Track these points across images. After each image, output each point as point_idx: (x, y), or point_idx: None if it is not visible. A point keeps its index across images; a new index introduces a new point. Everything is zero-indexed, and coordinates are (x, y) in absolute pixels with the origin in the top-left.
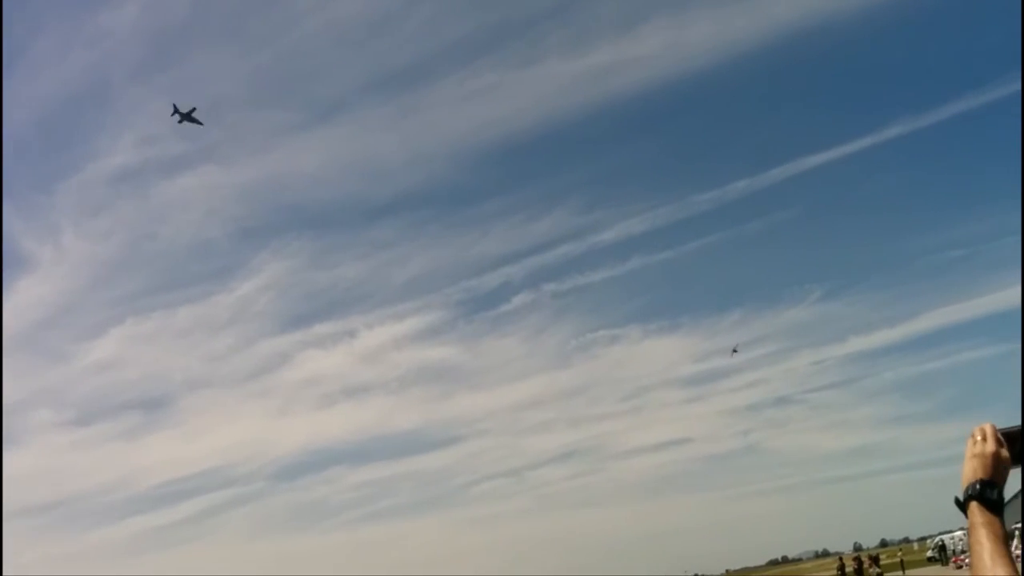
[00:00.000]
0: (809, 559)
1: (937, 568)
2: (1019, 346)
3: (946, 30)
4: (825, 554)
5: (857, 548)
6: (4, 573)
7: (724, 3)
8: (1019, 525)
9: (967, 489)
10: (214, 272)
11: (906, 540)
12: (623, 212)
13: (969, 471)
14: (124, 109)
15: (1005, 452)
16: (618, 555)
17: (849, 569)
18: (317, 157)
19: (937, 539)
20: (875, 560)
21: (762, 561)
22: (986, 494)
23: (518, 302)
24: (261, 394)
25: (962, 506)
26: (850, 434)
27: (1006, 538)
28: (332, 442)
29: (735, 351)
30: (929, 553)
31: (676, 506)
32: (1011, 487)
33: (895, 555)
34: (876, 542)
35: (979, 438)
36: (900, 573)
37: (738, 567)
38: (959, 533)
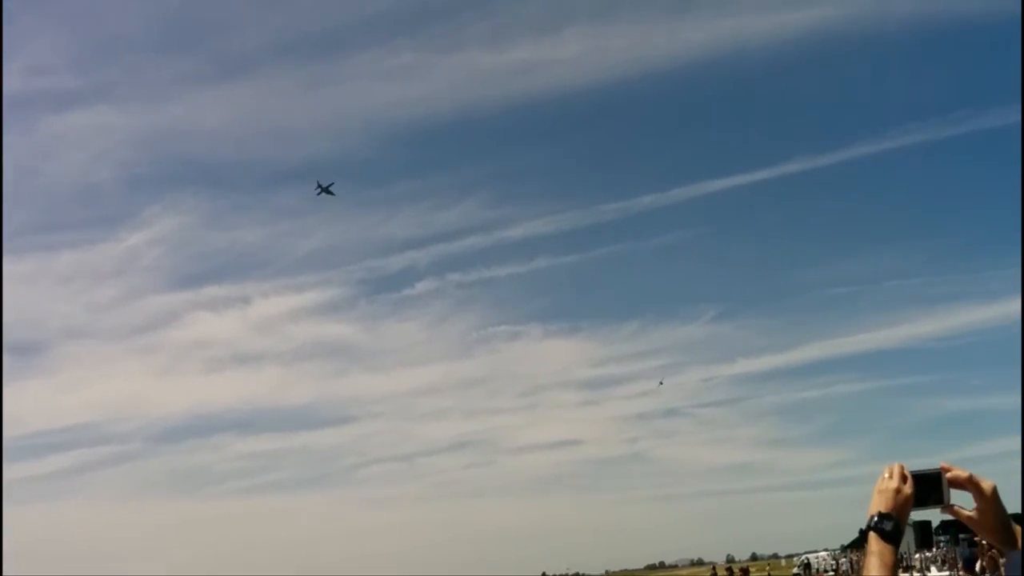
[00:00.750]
0: (685, 566)
1: None
2: (888, 383)
3: (852, 76)
4: (700, 563)
5: (730, 560)
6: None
7: (645, 20)
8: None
9: (868, 520)
10: (101, 219)
11: (775, 556)
12: (531, 212)
13: (873, 504)
14: (15, 35)
15: (907, 489)
16: (502, 548)
17: None
18: (221, 113)
19: (803, 557)
20: (745, 572)
21: (640, 565)
22: (881, 525)
23: (421, 288)
24: (144, 351)
25: (864, 534)
26: (731, 451)
27: (895, 566)
28: (219, 409)
29: (661, 383)
30: (795, 570)
31: (562, 504)
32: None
33: (764, 569)
34: (747, 555)
35: (887, 475)
36: None
37: (617, 568)
38: (823, 553)
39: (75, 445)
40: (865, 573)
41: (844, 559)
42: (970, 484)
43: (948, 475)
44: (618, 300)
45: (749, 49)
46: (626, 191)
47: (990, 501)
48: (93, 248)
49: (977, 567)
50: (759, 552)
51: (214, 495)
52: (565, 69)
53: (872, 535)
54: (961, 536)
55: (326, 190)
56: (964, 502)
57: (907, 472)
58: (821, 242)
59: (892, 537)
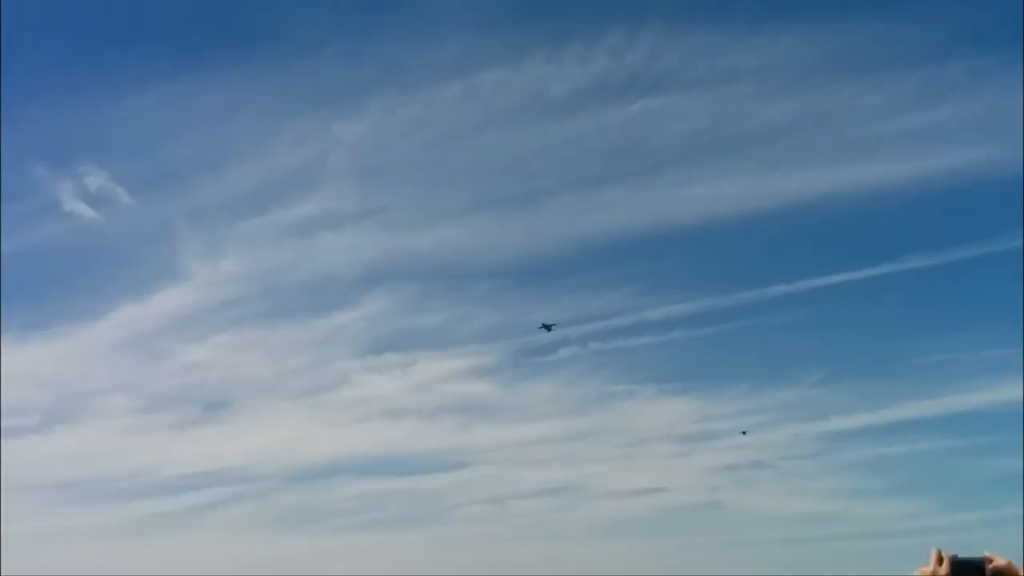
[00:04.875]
0: None
1: None
2: (969, 442)
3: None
4: None
5: None
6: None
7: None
8: None
9: None
10: (327, 303)
11: None
12: (673, 299)
13: None
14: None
15: (942, 571)
16: None
17: None
18: (463, 235)
19: None
20: None
21: None
22: None
23: (563, 354)
24: (311, 406)
25: None
26: (808, 501)
27: None
28: (349, 455)
29: (744, 433)
30: None
31: (637, 548)
32: None
33: None
34: None
35: (933, 559)
36: None
37: None
38: None
39: (212, 485)
40: None
41: None
42: (1008, 571)
43: (990, 565)
44: (733, 365)
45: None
46: (759, 283)
47: None
48: (308, 324)
49: None
50: None
51: (317, 532)
52: (708, 199)
53: None
54: None
55: (547, 328)
56: None
57: (946, 556)
58: (928, 320)
59: None
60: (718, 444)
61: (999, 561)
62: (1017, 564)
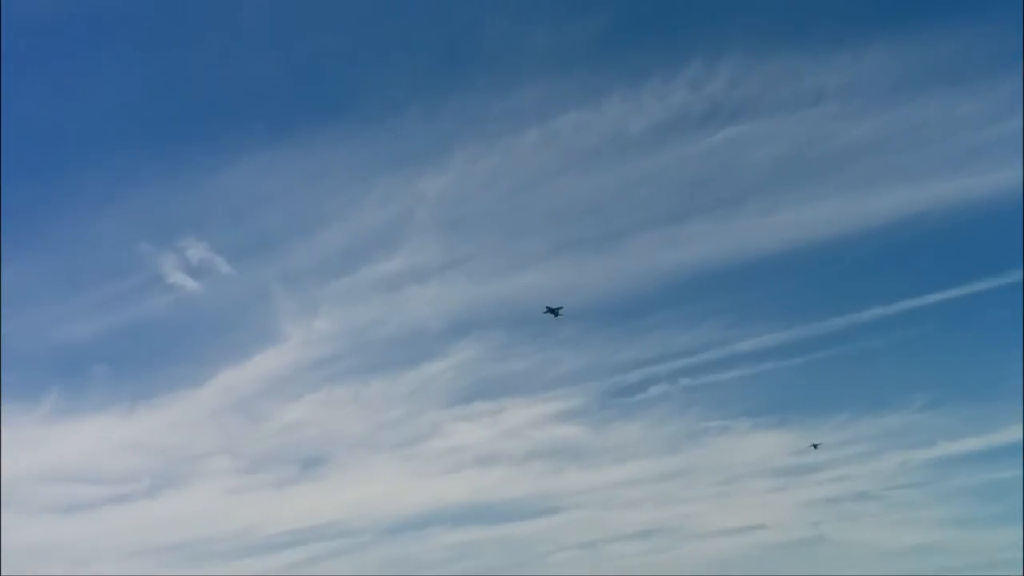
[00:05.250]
0: None
1: None
2: None
3: None
4: None
5: None
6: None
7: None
8: None
9: None
10: (416, 355)
11: None
12: (762, 329)
13: None
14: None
15: None
16: None
17: None
18: (541, 279)
19: None
20: None
21: None
22: None
23: (653, 392)
24: (405, 458)
25: None
26: (916, 532)
27: None
28: (443, 505)
29: (815, 446)
30: None
31: None
32: None
33: None
34: None
35: None
36: None
37: None
38: None
39: (312, 540)
40: None
41: None
42: None
43: None
44: (830, 394)
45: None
46: (854, 307)
47: None
48: (399, 377)
49: None
50: None
51: None
52: (795, 224)
53: None
54: None
55: (553, 311)
56: None
57: None
58: None
59: None
60: (818, 477)
61: None
62: None
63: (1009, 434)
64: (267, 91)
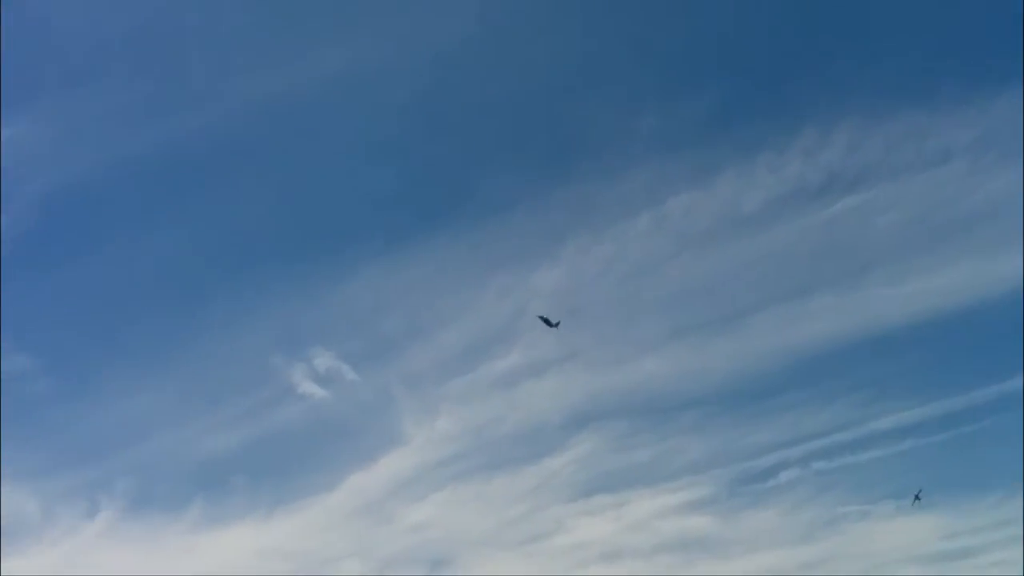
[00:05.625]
0: None
1: None
2: None
3: None
4: None
5: None
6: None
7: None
8: None
9: None
10: (537, 450)
11: None
12: (901, 406)
13: None
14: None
15: None
16: None
17: None
18: (662, 366)
19: None
20: None
21: None
22: None
23: (785, 477)
24: (530, 555)
25: None
26: None
27: None
28: None
29: (918, 498)
30: None
31: None
32: None
33: None
34: None
35: None
36: None
37: None
38: None
39: None
40: None
41: None
42: None
43: None
44: (981, 472)
45: None
46: (997, 376)
47: None
48: (520, 473)
49: None
50: None
51: None
52: (927, 292)
53: None
54: None
55: (546, 321)
56: None
57: None
58: None
59: None
60: (974, 562)
61: None
62: None
63: None
64: (381, 201)
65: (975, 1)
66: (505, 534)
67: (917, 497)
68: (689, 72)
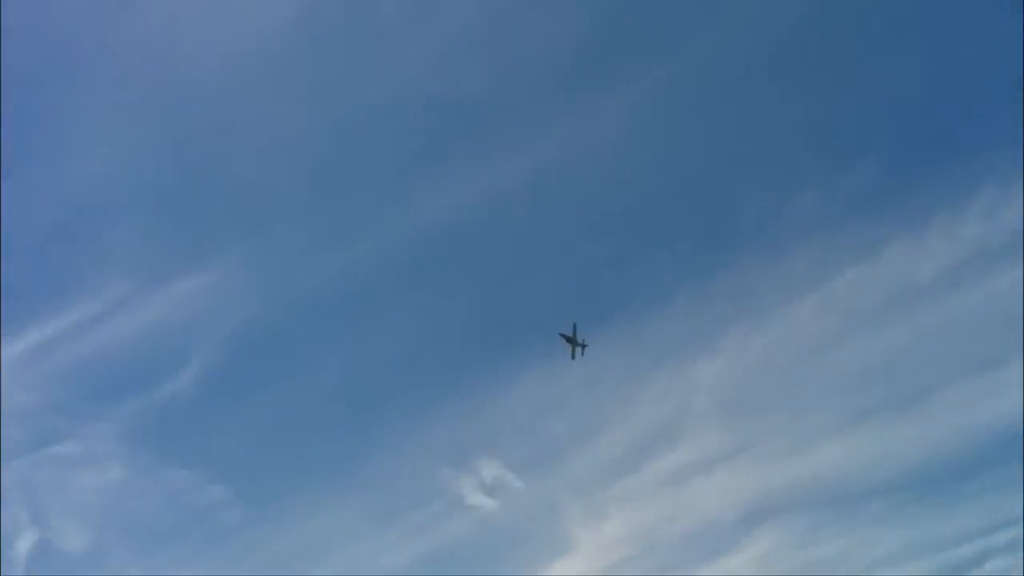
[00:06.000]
0: None
1: None
2: None
3: None
4: None
5: None
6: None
7: None
8: None
9: None
10: (712, 550)
11: None
12: None
13: None
14: None
15: None
16: None
17: None
18: (850, 451)
19: None
20: None
21: None
22: None
23: (991, 567)
24: None
25: None
26: None
27: None
28: None
29: None
30: None
31: None
32: None
33: None
34: None
35: None
36: None
37: None
38: None
39: None
40: None
41: None
42: None
43: None
44: None
45: None
46: None
47: None
48: (695, 573)
49: None
50: None
51: None
52: None
53: None
54: None
55: (571, 341)
56: None
57: None
58: None
59: None
60: None
61: None
62: None
63: None
64: (538, 307)
65: None
66: None
67: None
68: (847, 143)
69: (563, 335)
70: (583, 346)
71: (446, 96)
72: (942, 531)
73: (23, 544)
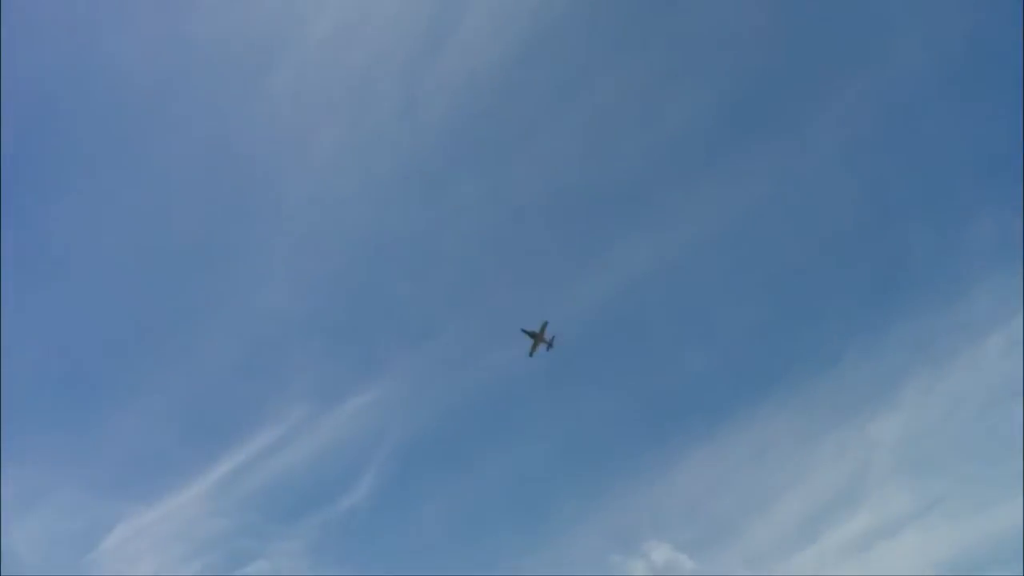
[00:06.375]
0: None
1: None
2: None
3: None
4: None
5: None
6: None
7: None
8: None
9: None
10: None
11: None
12: None
13: None
14: None
15: None
16: None
17: None
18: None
19: None
20: None
21: None
22: None
23: None
24: None
25: None
26: None
27: None
28: None
29: None
30: None
31: None
32: None
33: None
34: None
35: None
36: None
37: None
38: None
39: None
40: None
41: None
42: None
43: None
44: None
45: None
46: None
47: None
48: None
49: None
50: None
51: None
52: None
53: None
54: None
55: (532, 335)
56: None
57: None
58: None
59: None
60: None
61: None
62: None
63: None
64: (700, 380)
65: None
66: None
67: None
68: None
69: (525, 330)
70: (550, 345)
71: (592, 183)
72: None
73: None
